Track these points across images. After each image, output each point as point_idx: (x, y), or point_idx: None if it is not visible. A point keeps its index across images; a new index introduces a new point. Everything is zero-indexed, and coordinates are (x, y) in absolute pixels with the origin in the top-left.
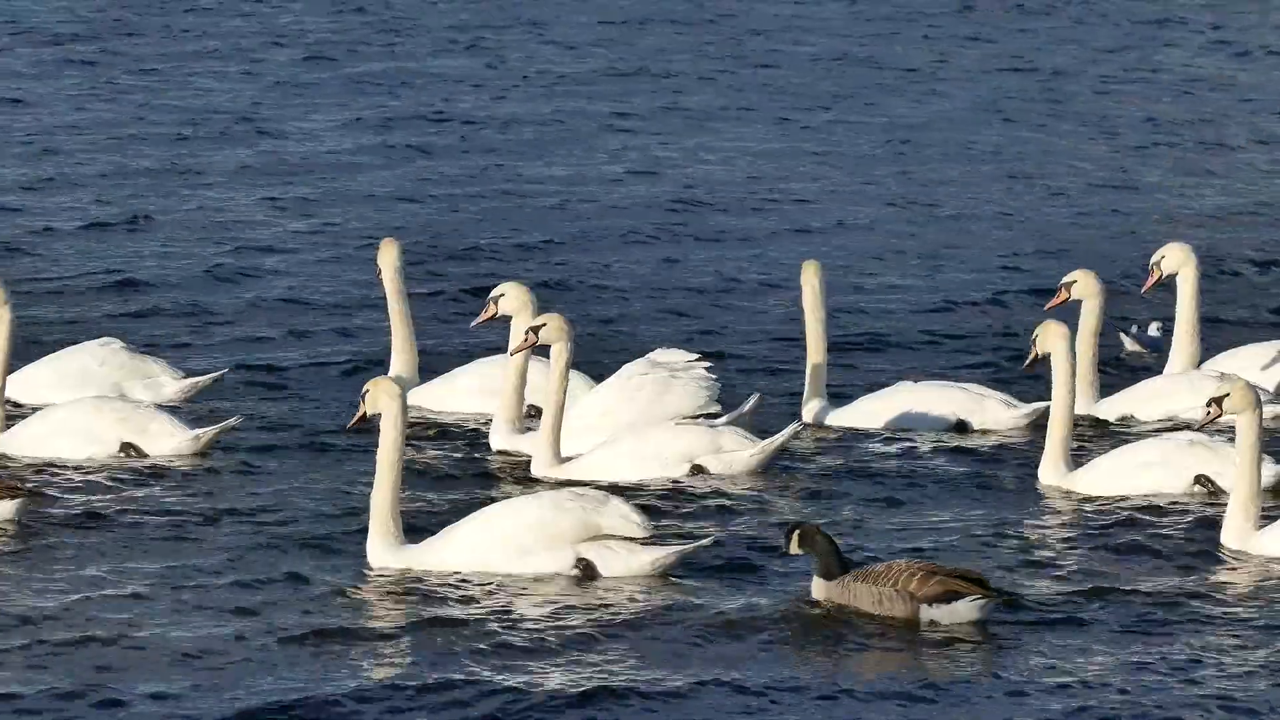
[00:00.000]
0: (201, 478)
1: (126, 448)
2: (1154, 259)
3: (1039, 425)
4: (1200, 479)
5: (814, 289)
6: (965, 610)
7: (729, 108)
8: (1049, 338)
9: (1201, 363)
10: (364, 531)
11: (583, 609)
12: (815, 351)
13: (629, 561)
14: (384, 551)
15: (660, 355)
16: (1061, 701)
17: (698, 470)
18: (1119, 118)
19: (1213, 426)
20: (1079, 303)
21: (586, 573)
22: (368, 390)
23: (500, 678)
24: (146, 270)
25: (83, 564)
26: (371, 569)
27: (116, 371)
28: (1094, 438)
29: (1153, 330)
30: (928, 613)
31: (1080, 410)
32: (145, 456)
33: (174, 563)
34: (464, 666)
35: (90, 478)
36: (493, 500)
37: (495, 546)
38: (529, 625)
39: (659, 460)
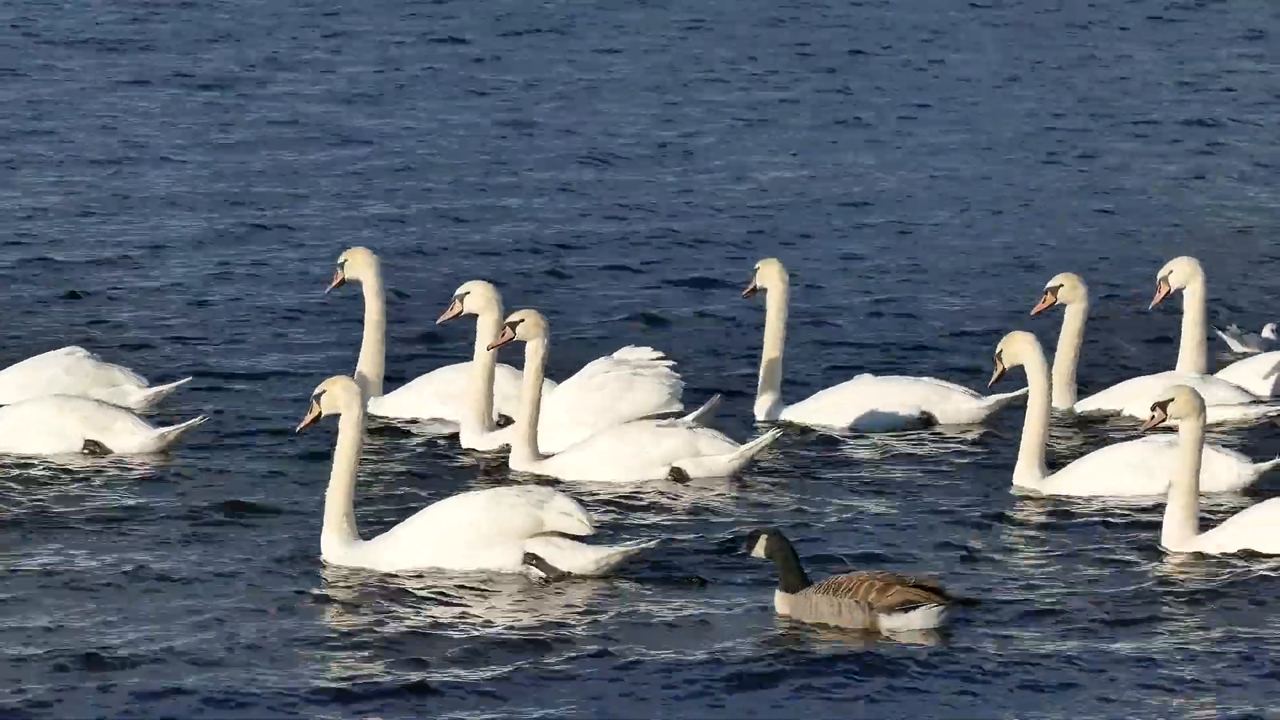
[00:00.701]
0: (160, 475)
1: (90, 445)
2: (1161, 273)
3: (1001, 416)
4: None
5: (779, 289)
6: (923, 619)
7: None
8: (1016, 348)
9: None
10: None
11: (529, 607)
12: (772, 347)
13: (574, 559)
14: (338, 547)
15: (625, 353)
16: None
17: (676, 473)
18: (1210, 128)
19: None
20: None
21: (537, 568)
22: (324, 390)
23: (450, 672)
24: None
25: (33, 560)
26: (326, 564)
27: (82, 380)
28: (1071, 438)
29: (1267, 332)
30: (886, 622)
31: (1061, 407)
32: (108, 453)
33: (127, 558)
34: (413, 662)
35: (52, 474)
36: None
37: (444, 543)
38: (477, 620)
39: (638, 461)
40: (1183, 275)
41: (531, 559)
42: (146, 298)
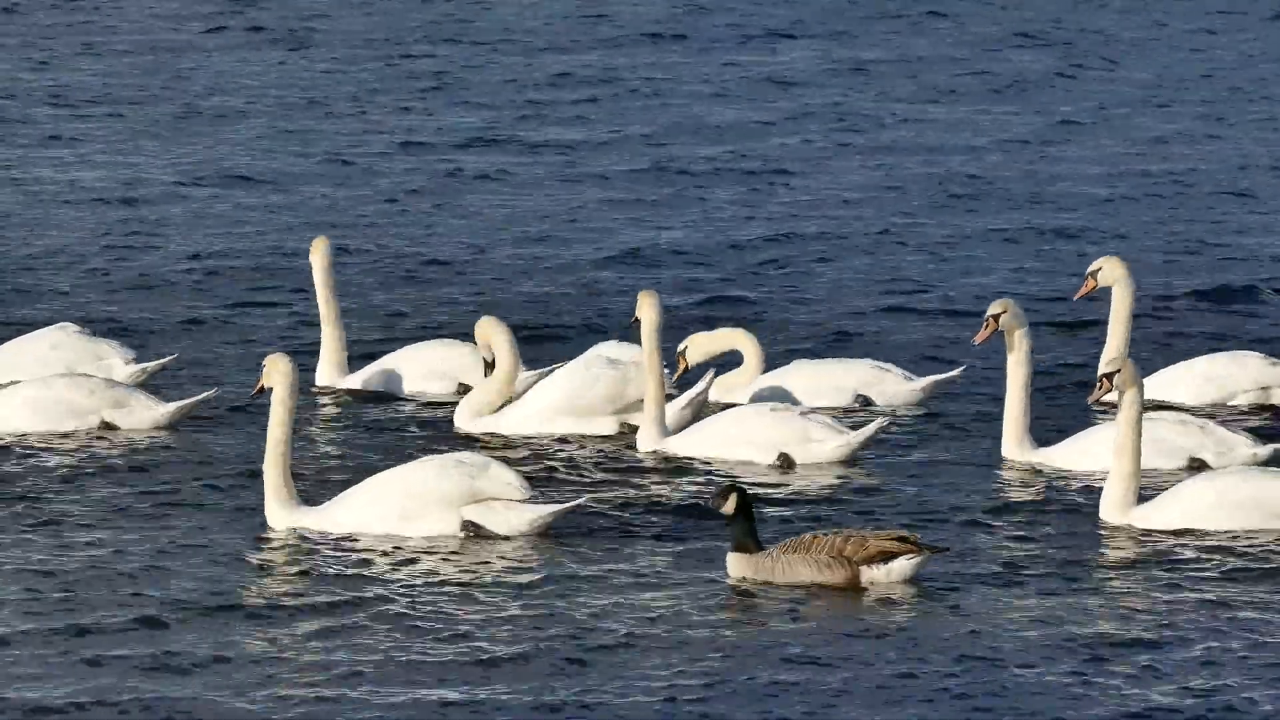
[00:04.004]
0: (128, 448)
1: (106, 422)
2: None
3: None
4: (1194, 461)
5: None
6: (902, 569)
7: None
8: (1013, 314)
9: None
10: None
11: (468, 569)
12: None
13: (510, 520)
14: (280, 514)
15: (607, 349)
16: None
17: (784, 459)
18: None
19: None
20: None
21: (474, 533)
22: (264, 365)
23: (387, 634)
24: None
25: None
26: (270, 530)
27: (69, 355)
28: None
29: None
30: (867, 574)
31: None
32: (119, 429)
33: (83, 523)
34: (352, 624)
35: (56, 450)
36: None
37: (385, 510)
38: (415, 583)
39: (749, 445)
40: None
41: (469, 525)
42: (142, 275)
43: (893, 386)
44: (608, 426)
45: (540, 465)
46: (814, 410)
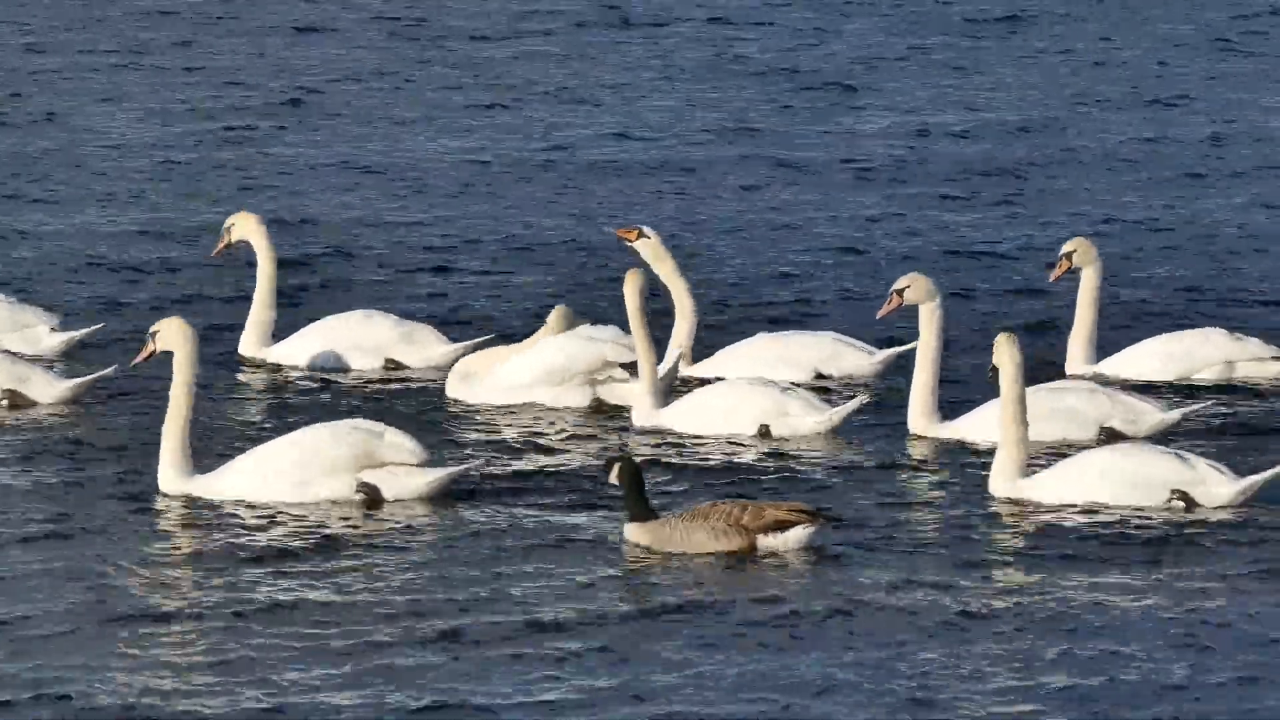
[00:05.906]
0: (35, 418)
1: (8, 394)
2: None
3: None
4: (1105, 430)
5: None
6: (798, 537)
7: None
8: (920, 289)
9: None
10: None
11: (363, 532)
12: (683, 306)
13: (407, 484)
14: (174, 479)
15: (588, 332)
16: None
17: (764, 430)
18: None
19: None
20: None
21: (370, 496)
22: (158, 330)
23: (283, 596)
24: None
25: None
26: (162, 495)
27: None
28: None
29: None
30: (764, 542)
31: (1077, 369)
32: (31, 404)
33: None
34: (243, 585)
35: None
36: None
37: (279, 475)
38: (310, 547)
39: (730, 419)
40: None
41: (364, 488)
42: (66, 241)
43: (853, 360)
44: (581, 398)
45: (498, 435)
46: (794, 385)
